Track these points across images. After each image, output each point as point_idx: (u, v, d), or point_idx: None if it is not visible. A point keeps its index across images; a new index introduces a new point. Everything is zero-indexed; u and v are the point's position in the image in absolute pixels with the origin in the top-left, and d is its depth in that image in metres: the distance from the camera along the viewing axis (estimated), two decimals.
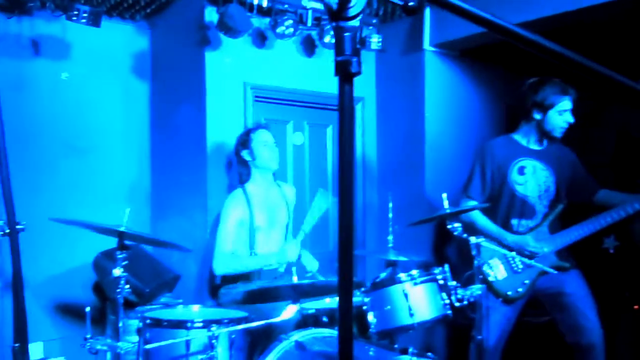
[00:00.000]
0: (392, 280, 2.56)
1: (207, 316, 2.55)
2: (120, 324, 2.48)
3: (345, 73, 0.77)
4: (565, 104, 3.07)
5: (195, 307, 2.77)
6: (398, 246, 2.87)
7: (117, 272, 2.38)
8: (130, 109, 4.15)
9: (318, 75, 4.12)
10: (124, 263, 2.43)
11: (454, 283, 2.62)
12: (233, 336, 2.44)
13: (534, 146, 3.22)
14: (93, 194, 3.90)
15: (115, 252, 3.36)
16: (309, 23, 3.72)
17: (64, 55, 3.83)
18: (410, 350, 2.45)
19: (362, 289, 2.64)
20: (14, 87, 3.61)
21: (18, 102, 3.62)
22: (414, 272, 2.59)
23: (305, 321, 2.87)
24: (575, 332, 3.15)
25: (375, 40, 3.86)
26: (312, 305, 2.81)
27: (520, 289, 3.13)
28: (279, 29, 3.63)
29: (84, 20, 3.23)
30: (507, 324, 3.20)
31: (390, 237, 2.84)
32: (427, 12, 4.02)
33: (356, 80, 0.80)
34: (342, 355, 0.86)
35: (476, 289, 2.67)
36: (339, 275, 0.83)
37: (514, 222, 3.21)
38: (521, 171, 3.18)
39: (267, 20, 3.76)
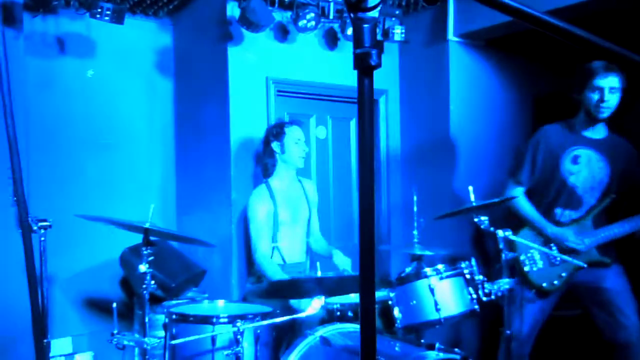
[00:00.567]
0: (418, 275, 2.53)
1: (232, 311, 2.56)
2: (147, 319, 2.49)
3: (364, 66, 0.75)
4: (607, 81, 2.89)
5: (221, 302, 2.78)
6: (423, 240, 2.84)
7: (143, 268, 2.40)
8: (154, 106, 4.17)
9: (340, 68, 4.09)
10: (149, 259, 2.44)
11: (480, 277, 2.58)
12: (258, 331, 2.44)
13: (592, 135, 3.09)
14: (119, 190, 3.93)
15: (141, 247, 3.42)
16: (331, 15, 3.69)
17: (89, 52, 3.86)
18: (437, 345, 2.42)
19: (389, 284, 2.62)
20: (41, 85, 3.65)
21: (45, 100, 3.67)
22: (440, 266, 2.55)
23: (330, 316, 2.86)
24: (613, 329, 3.07)
25: (398, 32, 3.81)
26: (337, 300, 2.79)
27: (555, 282, 3.05)
28: (301, 23, 3.61)
29: (107, 18, 3.24)
30: (539, 317, 3.14)
31: (415, 231, 2.80)
32: (451, 1, 3.94)
33: (379, 72, 0.78)
34: (364, 354, 0.84)
35: (504, 283, 2.63)
36: (360, 271, 0.81)
37: (558, 211, 3.12)
38: (575, 160, 3.08)
39: (288, 13, 3.74)
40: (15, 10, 3.44)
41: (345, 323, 2.63)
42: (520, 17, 0.78)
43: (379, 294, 2.63)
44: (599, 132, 3.09)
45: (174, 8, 4.05)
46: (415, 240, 2.82)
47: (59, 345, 3.58)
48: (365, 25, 0.74)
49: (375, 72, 0.77)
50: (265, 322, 2.39)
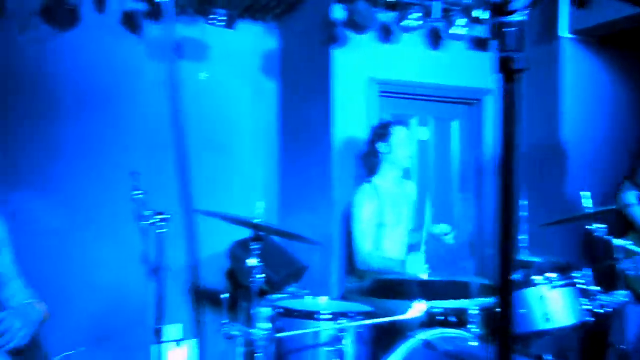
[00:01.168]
0: (528, 283, 2.44)
1: (335, 309, 2.60)
2: (254, 312, 2.59)
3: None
4: None
5: (323, 299, 2.83)
6: (532, 246, 2.73)
7: (252, 262, 2.49)
8: (260, 107, 4.32)
9: (444, 68, 4.03)
10: (258, 253, 2.53)
11: (596, 288, 2.44)
12: (361, 330, 2.47)
13: None
14: (226, 188, 4.11)
15: (249, 242, 3.55)
16: (438, 15, 3.64)
17: (203, 56, 4.07)
18: (545, 357, 2.32)
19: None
20: (159, 88, 3.90)
21: (162, 102, 3.91)
22: (552, 274, 2.44)
23: (431, 320, 2.82)
24: None
25: None
26: (440, 305, 2.75)
27: None
28: (405, 23, 3.60)
29: (221, 23, 3.41)
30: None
31: (524, 237, 2.70)
32: None
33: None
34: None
35: (620, 296, 2.47)
36: (499, 277, 0.80)
37: None
38: None
39: (392, 14, 3.74)
40: (136, 17, 3.71)
41: (448, 328, 2.59)
42: None
43: (485, 300, 2.57)
44: None
45: (281, 12, 4.17)
46: (524, 245, 2.71)
47: (170, 331, 3.80)
48: (510, 29, 0.74)
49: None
50: (368, 322, 2.40)
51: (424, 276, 2.44)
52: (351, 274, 3.38)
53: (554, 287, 2.40)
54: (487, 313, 2.55)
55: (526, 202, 2.76)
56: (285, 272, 3.65)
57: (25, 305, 1.94)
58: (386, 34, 3.87)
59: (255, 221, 2.48)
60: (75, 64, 3.42)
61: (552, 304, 2.40)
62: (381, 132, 3.32)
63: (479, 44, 4.05)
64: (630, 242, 2.54)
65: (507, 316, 0.80)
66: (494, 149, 4.25)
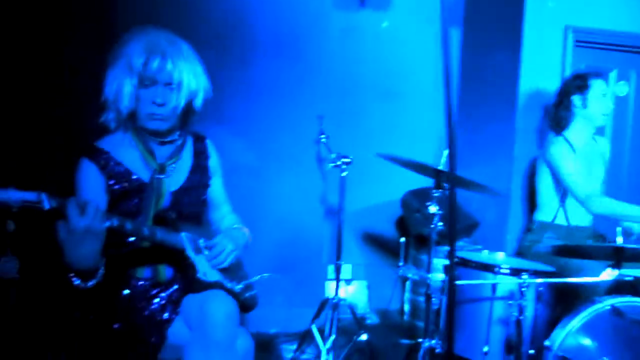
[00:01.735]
0: None
1: (514, 264, 2.54)
2: (430, 259, 2.63)
3: None
4: None
5: (500, 254, 2.78)
6: None
7: (433, 209, 2.51)
8: (440, 54, 4.22)
9: None
10: (437, 201, 2.55)
11: None
12: (541, 289, 2.40)
13: None
14: (402, 136, 4.14)
15: (424, 191, 3.58)
16: None
17: (385, 5, 4.06)
18: None
19: None
20: (342, 36, 3.99)
21: (345, 50, 4.01)
22: None
23: (619, 287, 2.64)
24: None
25: None
26: (632, 273, 2.55)
27: None
28: None
29: None
30: None
31: None
32: None
33: None
34: None
35: None
36: None
37: None
38: None
39: None
40: None
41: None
42: None
43: None
44: None
45: None
46: None
47: (342, 270, 4.02)
48: None
49: None
50: (551, 280, 2.32)
51: (619, 240, 2.26)
52: (528, 232, 3.25)
53: None
54: None
55: None
56: (458, 225, 3.62)
57: (234, 229, 2.18)
58: None
59: (439, 167, 2.48)
60: (267, 12, 3.62)
61: None
62: (578, 84, 3.07)
63: None
64: None
65: None
66: None
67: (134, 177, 1.91)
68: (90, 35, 3.01)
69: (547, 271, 2.46)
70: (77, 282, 1.62)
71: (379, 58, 4.13)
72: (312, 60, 3.68)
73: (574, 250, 2.51)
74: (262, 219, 3.64)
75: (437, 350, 2.51)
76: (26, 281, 1.75)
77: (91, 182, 1.85)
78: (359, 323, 3.30)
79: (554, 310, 2.51)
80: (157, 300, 1.93)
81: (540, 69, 3.52)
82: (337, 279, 3.15)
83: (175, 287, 1.98)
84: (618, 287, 2.65)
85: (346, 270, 4.14)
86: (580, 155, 3.09)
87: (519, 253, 3.26)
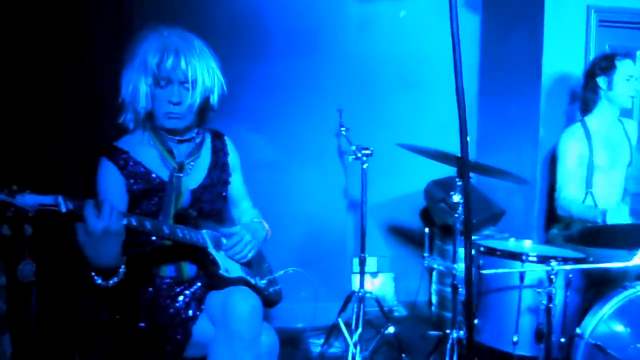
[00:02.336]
0: None
1: (541, 252, 2.49)
2: (455, 249, 2.59)
3: None
4: None
5: (527, 242, 2.73)
6: None
7: (457, 198, 2.47)
8: (460, 41, 4.15)
9: None
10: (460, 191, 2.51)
11: None
12: (570, 276, 2.34)
13: None
14: (423, 125, 4.09)
15: (448, 180, 3.53)
16: None
17: None
18: None
19: None
20: (361, 26, 3.96)
21: (363, 40, 3.98)
22: None
23: None
24: None
25: None
26: None
27: None
28: None
29: None
30: None
31: None
32: None
33: None
34: None
35: None
36: None
37: None
38: None
39: None
40: None
41: None
42: None
43: None
44: None
45: None
46: None
47: (367, 263, 4.00)
48: None
49: None
50: (580, 266, 2.26)
51: None
52: (555, 220, 3.19)
53: None
54: None
55: None
56: (483, 214, 3.57)
57: (253, 222, 2.18)
58: None
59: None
60: (284, 5, 3.60)
61: None
62: (603, 65, 2.99)
63: None
64: None
65: None
66: None
67: (153, 176, 1.92)
68: (109, 34, 3.04)
69: (577, 257, 2.40)
70: (98, 280, 1.63)
71: (397, 48, 4.09)
72: (330, 52, 3.65)
73: (603, 234, 2.44)
74: (285, 214, 3.64)
75: (465, 341, 2.47)
76: (44, 284, 1.77)
77: (111, 182, 1.86)
78: (386, 316, 3.28)
79: (584, 297, 2.46)
80: (181, 298, 1.94)
81: (563, 51, 3.44)
82: (362, 272, 3.13)
83: (199, 284, 1.99)
84: None
85: (371, 263, 4.12)
86: (601, 138, 3.03)
87: (547, 240, 3.20)
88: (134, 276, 1.94)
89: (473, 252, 2.60)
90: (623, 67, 2.96)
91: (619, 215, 2.71)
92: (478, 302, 2.50)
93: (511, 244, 2.72)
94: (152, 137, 1.96)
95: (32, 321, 1.64)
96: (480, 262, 2.52)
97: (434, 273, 3.91)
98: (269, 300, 2.12)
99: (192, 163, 2.02)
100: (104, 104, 2.79)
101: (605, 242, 2.52)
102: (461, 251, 2.61)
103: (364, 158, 3.01)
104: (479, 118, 4.24)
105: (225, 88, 2.00)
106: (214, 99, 1.98)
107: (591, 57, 3.37)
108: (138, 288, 1.93)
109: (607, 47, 3.54)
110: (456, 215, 2.49)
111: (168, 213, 1.92)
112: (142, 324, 1.87)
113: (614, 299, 2.30)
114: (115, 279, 1.64)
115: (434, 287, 3.88)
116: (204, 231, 1.94)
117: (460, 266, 2.50)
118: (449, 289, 3.59)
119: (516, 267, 2.40)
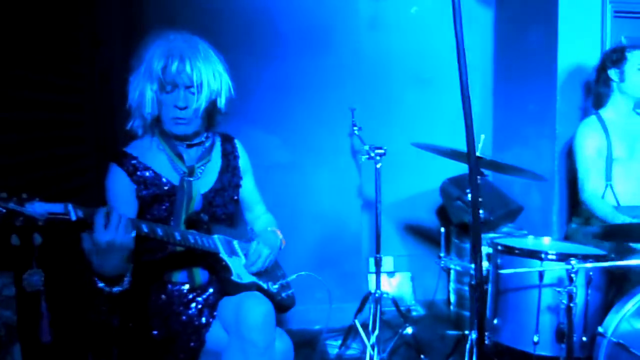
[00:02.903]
0: None
1: (561, 249, 2.43)
2: (465, 248, 2.54)
3: None
4: None
5: (546, 240, 2.68)
6: None
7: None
8: (473, 37, 4.10)
9: None
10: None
11: None
12: (591, 273, 2.28)
13: None
14: (436, 123, 4.04)
15: (464, 178, 3.48)
16: None
17: None
18: None
19: None
20: (371, 24, 3.92)
21: (374, 38, 3.94)
22: None
23: None
24: None
25: None
26: None
27: None
28: None
29: None
30: None
31: None
32: None
33: None
34: None
35: None
36: None
37: None
38: None
39: None
40: None
41: None
42: None
43: None
44: None
45: None
46: None
47: (383, 263, 3.96)
48: None
49: None
50: (601, 264, 2.20)
51: None
52: (575, 215, 3.12)
53: None
54: None
55: None
56: (500, 211, 3.51)
57: (268, 232, 2.16)
58: None
59: (477, 154, 2.38)
60: (293, 4, 3.57)
61: None
62: (614, 58, 2.96)
63: None
64: None
65: None
66: None
67: (164, 180, 1.91)
68: (120, 39, 3.04)
69: (597, 254, 2.34)
70: (101, 284, 1.59)
71: (408, 45, 4.05)
72: (341, 51, 3.61)
73: (624, 230, 2.38)
74: (299, 215, 3.61)
75: (485, 342, 2.43)
76: (52, 293, 1.75)
77: (120, 188, 1.85)
78: (404, 316, 3.24)
79: (605, 294, 2.40)
80: (194, 304, 1.92)
81: (578, 43, 3.36)
82: (378, 272, 3.09)
83: (211, 290, 1.97)
84: None
85: (387, 262, 4.09)
86: (617, 131, 2.97)
87: (567, 237, 3.13)
88: (146, 283, 1.93)
89: (491, 250, 2.56)
90: (633, 58, 2.93)
91: None
92: (497, 302, 2.46)
93: (530, 242, 2.67)
94: (161, 142, 1.95)
95: (45, 330, 1.62)
96: (499, 261, 2.48)
97: (452, 272, 3.86)
98: (281, 306, 2.10)
99: (202, 167, 2.00)
100: (115, 109, 2.79)
101: (628, 238, 2.46)
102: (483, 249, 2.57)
103: (378, 157, 2.97)
104: (494, 113, 4.18)
105: (232, 91, 1.98)
106: (222, 102, 1.95)
107: (607, 48, 3.30)
108: (150, 295, 1.92)
109: (623, 38, 3.46)
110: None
111: (179, 218, 1.90)
112: (155, 332, 1.85)
113: (636, 297, 2.23)
114: (119, 288, 1.61)
115: (452, 285, 3.83)
116: (216, 236, 1.92)
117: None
118: (467, 288, 3.54)
119: (535, 265, 2.35)
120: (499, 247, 2.47)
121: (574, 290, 2.13)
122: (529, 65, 3.69)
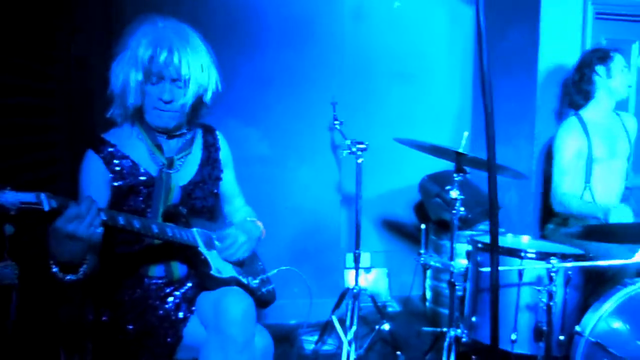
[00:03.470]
0: None
1: (540, 248, 2.44)
2: (452, 245, 2.54)
3: None
4: None
5: (525, 238, 2.68)
6: None
7: (454, 194, 2.41)
8: (455, 34, 4.10)
9: None
10: (457, 185, 2.45)
11: None
12: (570, 272, 2.29)
13: None
14: (418, 119, 4.04)
15: (443, 175, 3.47)
16: None
17: None
18: None
19: None
20: (355, 17, 3.88)
21: (357, 31, 3.90)
22: None
23: None
24: None
25: None
26: None
27: None
28: None
29: None
30: None
31: None
32: None
33: None
34: None
35: None
36: None
37: None
38: None
39: None
40: None
41: None
42: None
43: None
44: None
45: None
46: None
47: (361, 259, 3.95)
48: None
49: None
50: (582, 264, 2.21)
51: None
52: (552, 214, 3.14)
53: None
54: None
55: None
56: (478, 209, 3.51)
57: (247, 221, 2.11)
58: None
59: (459, 150, 2.38)
60: None
61: None
62: (600, 55, 2.98)
63: None
64: None
65: None
66: None
67: (142, 170, 1.84)
68: (98, 25, 2.94)
69: (575, 254, 2.35)
70: (55, 269, 1.52)
71: (392, 39, 4.03)
72: (323, 44, 3.57)
73: (603, 230, 2.39)
74: (278, 209, 3.57)
75: (463, 340, 2.43)
76: (27, 286, 1.68)
77: (94, 175, 1.78)
78: (381, 312, 3.23)
79: (583, 293, 2.41)
80: (171, 299, 1.87)
81: (559, 43, 3.38)
82: (357, 268, 3.07)
83: (189, 284, 1.92)
84: None
85: (364, 258, 4.07)
86: (598, 131, 3.00)
87: (544, 236, 3.15)
88: (121, 276, 1.87)
89: (470, 247, 2.55)
90: (619, 59, 2.99)
91: (623, 216, 2.67)
92: (476, 299, 2.46)
93: (509, 240, 2.67)
94: (141, 132, 1.88)
95: (10, 325, 1.55)
96: (478, 258, 2.47)
97: (428, 270, 3.86)
98: (262, 301, 2.06)
99: (182, 159, 1.94)
100: (92, 96, 2.70)
101: (608, 238, 2.47)
102: (459, 247, 2.56)
103: (359, 152, 2.94)
104: (474, 112, 4.19)
105: (219, 86, 1.91)
106: (208, 96, 1.89)
107: (587, 49, 3.32)
108: (125, 288, 1.86)
109: (603, 39, 3.50)
110: (453, 211, 2.43)
111: (157, 210, 1.84)
112: (130, 326, 1.80)
113: (614, 296, 2.25)
114: (73, 277, 1.54)
115: (428, 282, 3.83)
116: (195, 230, 1.87)
117: (458, 262, 2.45)
118: (444, 284, 3.55)
119: (515, 263, 2.34)
120: (479, 245, 2.47)
121: (554, 289, 2.14)
122: (510, 65, 3.70)
